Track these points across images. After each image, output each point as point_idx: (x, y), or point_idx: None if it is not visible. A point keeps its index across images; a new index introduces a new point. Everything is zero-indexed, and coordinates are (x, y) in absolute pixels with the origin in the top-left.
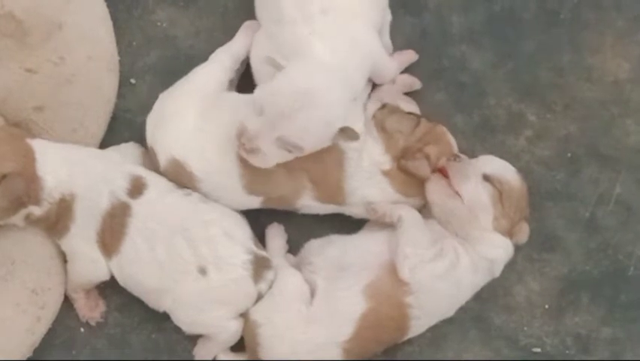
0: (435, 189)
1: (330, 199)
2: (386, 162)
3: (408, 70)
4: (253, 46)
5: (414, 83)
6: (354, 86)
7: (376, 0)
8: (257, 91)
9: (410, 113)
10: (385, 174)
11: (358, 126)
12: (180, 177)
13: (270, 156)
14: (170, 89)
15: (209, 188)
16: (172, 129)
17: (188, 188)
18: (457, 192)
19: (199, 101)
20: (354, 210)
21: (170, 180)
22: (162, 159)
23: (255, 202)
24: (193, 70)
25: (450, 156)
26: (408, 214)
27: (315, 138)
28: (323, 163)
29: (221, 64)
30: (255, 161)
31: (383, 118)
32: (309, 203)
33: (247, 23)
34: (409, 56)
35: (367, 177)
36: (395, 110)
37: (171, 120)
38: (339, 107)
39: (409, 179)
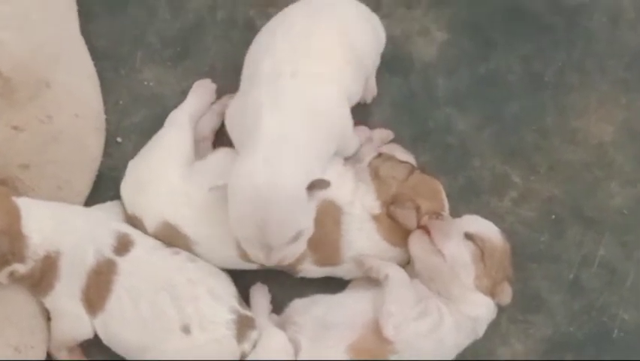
0: (417, 244)
1: (328, 261)
2: (376, 207)
3: (394, 131)
4: (227, 114)
5: (388, 135)
6: (315, 149)
7: (356, 69)
8: (231, 228)
9: (405, 162)
10: (374, 218)
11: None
12: (174, 240)
13: (293, 252)
14: (140, 157)
15: (205, 250)
16: (157, 193)
17: (178, 248)
18: (439, 250)
19: (176, 166)
20: (347, 267)
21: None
22: (151, 225)
23: (253, 265)
24: (156, 136)
25: (432, 214)
26: (396, 273)
27: (300, 214)
28: (323, 226)
29: (182, 126)
30: (288, 261)
31: (378, 165)
32: (308, 268)
33: (197, 83)
34: (386, 134)
35: (359, 227)
36: (390, 158)
37: (153, 184)
38: (297, 175)
39: (396, 226)
